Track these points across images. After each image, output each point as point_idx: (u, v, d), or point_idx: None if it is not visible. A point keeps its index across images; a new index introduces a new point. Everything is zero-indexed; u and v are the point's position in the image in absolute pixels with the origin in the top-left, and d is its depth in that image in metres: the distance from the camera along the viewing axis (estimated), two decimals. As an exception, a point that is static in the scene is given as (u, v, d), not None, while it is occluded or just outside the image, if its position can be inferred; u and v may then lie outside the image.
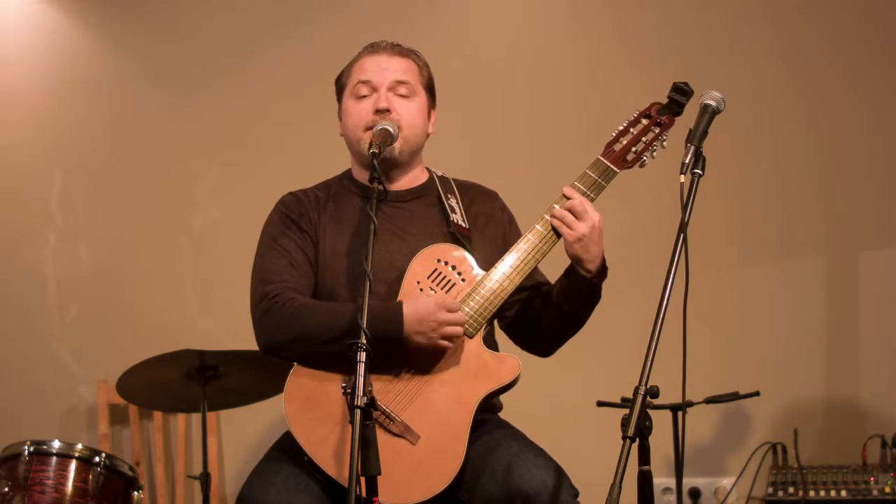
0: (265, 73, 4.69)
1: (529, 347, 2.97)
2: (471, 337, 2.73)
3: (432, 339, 2.67)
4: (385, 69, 2.92)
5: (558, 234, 2.77)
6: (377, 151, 2.75)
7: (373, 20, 4.59)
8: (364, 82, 2.91)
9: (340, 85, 2.99)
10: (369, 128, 2.86)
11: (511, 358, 2.75)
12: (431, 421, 2.67)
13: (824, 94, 4.48)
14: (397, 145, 2.87)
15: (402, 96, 2.91)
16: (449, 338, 2.68)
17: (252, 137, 4.69)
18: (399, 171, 2.95)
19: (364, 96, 2.91)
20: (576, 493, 2.64)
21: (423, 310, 2.67)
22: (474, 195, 3.02)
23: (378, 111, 2.87)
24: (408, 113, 2.91)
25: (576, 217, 2.74)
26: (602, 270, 2.79)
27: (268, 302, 2.77)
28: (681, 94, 2.83)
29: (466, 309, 2.74)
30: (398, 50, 2.96)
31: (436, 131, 3.03)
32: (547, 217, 2.78)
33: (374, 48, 2.97)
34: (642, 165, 2.86)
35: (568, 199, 2.77)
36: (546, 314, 2.87)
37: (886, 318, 4.40)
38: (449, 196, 2.96)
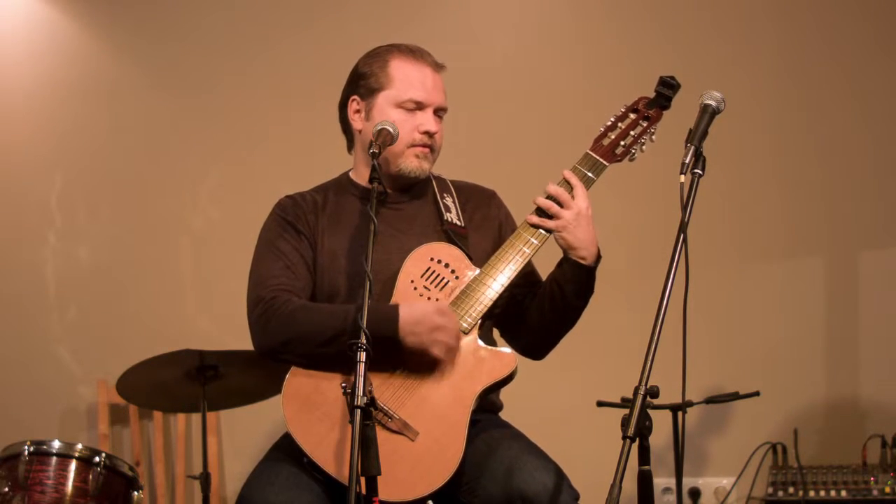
0: (265, 74, 4.70)
1: (523, 348, 2.95)
2: (466, 333, 2.74)
3: (425, 344, 2.67)
4: (434, 91, 2.92)
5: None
6: (377, 151, 2.75)
7: (372, 21, 4.59)
8: (417, 101, 2.90)
9: (374, 83, 2.93)
10: (414, 144, 2.88)
11: (508, 353, 2.75)
12: (430, 417, 2.67)
13: (824, 94, 4.48)
14: (429, 167, 2.93)
15: (439, 118, 2.94)
16: (442, 344, 2.68)
17: (252, 138, 4.70)
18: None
19: (410, 110, 2.91)
20: (576, 496, 2.64)
21: (420, 313, 2.67)
22: (471, 194, 3.04)
23: (427, 133, 2.89)
24: (442, 135, 2.95)
25: (561, 205, 2.76)
26: (597, 258, 2.80)
27: (264, 305, 2.77)
28: (667, 87, 2.85)
29: (463, 306, 2.74)
30: (436, 65, 2.96)
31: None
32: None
33: (414, 55, 2.95)
34: (631, 159, 2.88)
35: (568, 182, 2.79)
36: (538, 309, 2.87)
37: (886, 318, 4.40)
38: (445, 195, 2.97)
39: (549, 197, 2.79)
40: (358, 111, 2.96)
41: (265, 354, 2.79)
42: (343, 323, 2.65)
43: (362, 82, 2.95)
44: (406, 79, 2.92)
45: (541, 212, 2.80)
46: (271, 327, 2.75)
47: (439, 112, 2.94)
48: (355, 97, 2.96)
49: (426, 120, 2.90)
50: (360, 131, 2.97)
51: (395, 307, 2.68)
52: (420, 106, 2.91)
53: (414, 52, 2.96)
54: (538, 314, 2.87)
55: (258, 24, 4.73)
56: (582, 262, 2.77)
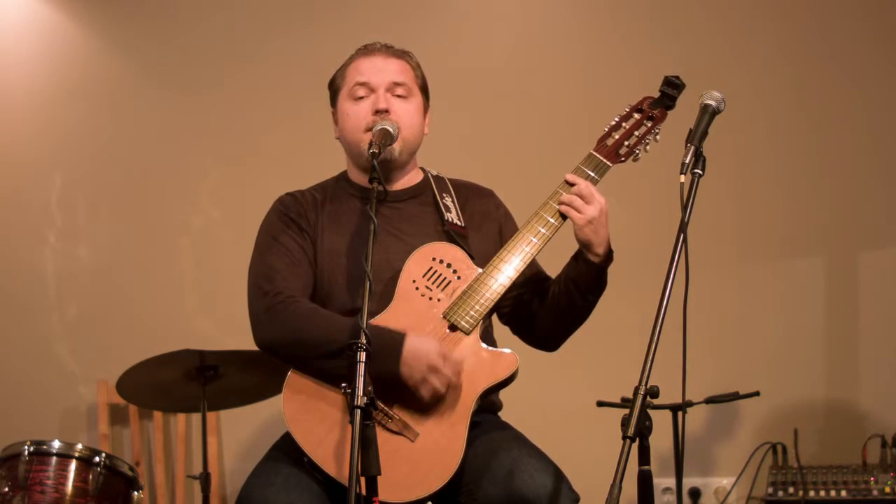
0: (265, 73, 4.70)
1: (536, 342, 2.96)
2: (468, 334, 2.73)
3: (416, 378, 2.63)
4: (382, 70, 2.92)
5: (557, 225, 2.77)
6: (377, 151, 2.75)
7: (372, 19, 4.60)
8: (361, 84, 2.91)
9: (335, 87, 2.99)
10: (369, 129, 2.86)
11: (509, 354, 2.74)
12: (430, 418, 2.66)
13: (825, 94, 4.48)
14: (397, 146, 2.88)
15: (399, 97, 2.92)
16: (430, 388, 2.64)
17: (252, 137, 4.70)
18: (397, 172, 2.96)
19: (361, 98, 2.91)
20: (576, 499, 2.64)
21: (421, 348, 2.64)
22: (469, 193, 3.03)
23: (377, 112, 2.87)
24: (406, 114, 2.91)
25: (584, 201, 2.75)
26: (609, 254, 2.80)
27: (270, 300, 2.76)
28: (672, 87, 2.84)
29: (464, 307, 2.74)
30: (392, 51, 2.97)
31: (434, 130, 3.03)
32: (541, 213, 2.79)
33: (367, 50, 2.97)
34: (635, 159, 2.87)
35: (572, 185, 2.78)
36: (552, 306, 2.86)
37: (886, 318, 4.40)
38: (444, 195, 2.97)
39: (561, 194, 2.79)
40: (336, 121, 2.99)
41: (265, 348, 2.79)
42: (348, 339, 2.57)
43: (331, 93, 3.01)
44: (354, 70, 2.95)
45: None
46: (276, 324, 2.75)
47: (396, 90, 2.92)
48: (332, 109, 3.01)
49: (377, 98, 2.89)
50: (338, 139, 3.00)
51: (402, 338, 2.65)
52: (369, 87, 2.91)
53: (365, 47, 2.99)
54: (552, 310, 2.86)
55: (258, 23, 4.73)
56: (596, 259, 2.77)
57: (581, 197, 2.75)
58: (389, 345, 2.63)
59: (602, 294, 2.85)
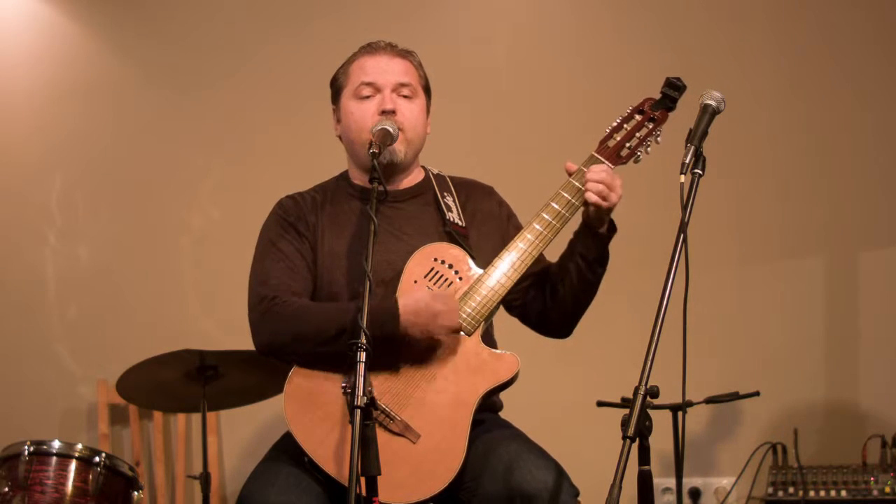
0: (265, 73, 4.70)
1: (549, 330, 2.95)
2: (469, 335, 2.73)
3: (428, 331, 2.67)
4: (387, 70, 2.92)
5: (558, 227, 2.77)
6: (377, 151, 2.74)
7: (371, 19, 4.60)
8: (367, 84, 2.91)
9: (338, 86, 2.98)
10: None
11: (510, 355, 2.75)
12: (431, 419, 2.67)
13: (824, 93, 4.48)
14: (401, 148, 2.88)
15: (404, 97, 2.92)
16: (444, 329, 2.68)
17: (252, 137, 4.70)
18: (399, 172, 2.95)
19: (367, 97, 2.91)
20: (576, 493, 2.64)
21: (420, 302, 2.67)
22: (470, 192, 3.03)
23: (384, 112, 2.87)
24: (411, 114, 2.91)
25: (609, 189, 2.75)
26: (612, 226, 2.82)
27: (266, 304, 2.77)
28: (673, 88, 2.83)
29: (465, 308, 2.74)
30: (397, 51, 2.97)
31: (434, 129, 3.03)
32: (542, 214, 2.79)
33: (372, 49, 2.97)
34: (637, 161, 2.87)
35: (577, 185, 2.77)
36: (564, 288, 2.85)
37: (886, 318, 4.40)
38: (445, 194, 2.96)
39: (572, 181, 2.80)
40: (337, 120, 2.98)
41: (265, 353, 2.79)
42: (345, 321, 2.64)
43: (333, 90, 3.00)
44: (359, 69, 2.94)
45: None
46: (273, 327, 2.75)
47: (402, 91, 2.91)
48: (333, 107, 3.00)
49: (383, 99, 2.89)
50: (339, 137, 2.99)
51: (395, 302, 2.68)
52: (375, 87, 2.90)
53: (370, 46, 2.98)
54: (565, 292, 2.85)
55: (257, 23, 4.73)
56: (603, 230, 2.79)
57: (607, 185, 2.75)
58: (387, 315, 2.64)
59: (606, 267, 2.85)
